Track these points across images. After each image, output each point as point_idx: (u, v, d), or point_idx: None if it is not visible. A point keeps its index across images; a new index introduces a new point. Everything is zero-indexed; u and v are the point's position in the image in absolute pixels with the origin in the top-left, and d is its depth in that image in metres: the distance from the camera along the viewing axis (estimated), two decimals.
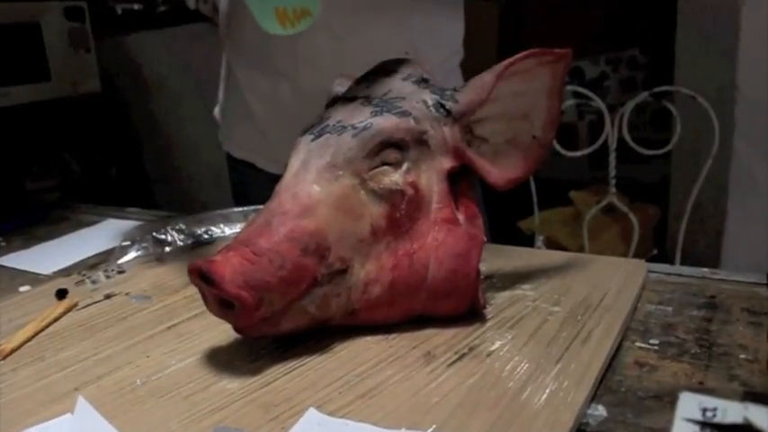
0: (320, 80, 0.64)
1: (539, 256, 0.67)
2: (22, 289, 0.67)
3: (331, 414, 0.40)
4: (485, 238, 0.50)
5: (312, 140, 0.49)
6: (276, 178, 0.49)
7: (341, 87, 0.57)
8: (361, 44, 0.80)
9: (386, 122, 0.48)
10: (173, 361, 0.48)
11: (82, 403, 0.42)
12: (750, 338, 0.48)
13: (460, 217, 0.50)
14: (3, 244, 0.87)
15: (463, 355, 0.46)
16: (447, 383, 0.42)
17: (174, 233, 0.75)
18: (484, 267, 0.56)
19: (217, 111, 0.99)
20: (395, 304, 0.49)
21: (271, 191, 0.48)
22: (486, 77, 0.50)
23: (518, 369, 0.43)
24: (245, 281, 0.43)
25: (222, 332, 0.50)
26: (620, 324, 0.48)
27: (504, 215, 1.32)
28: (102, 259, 0.73)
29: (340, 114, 0.50)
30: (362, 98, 0.51)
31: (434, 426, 0.38)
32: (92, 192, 1.65)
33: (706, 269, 0.61)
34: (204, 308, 0.46)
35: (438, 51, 0.86)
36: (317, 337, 0.49)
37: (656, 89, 1.27)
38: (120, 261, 0.71)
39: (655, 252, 1.56)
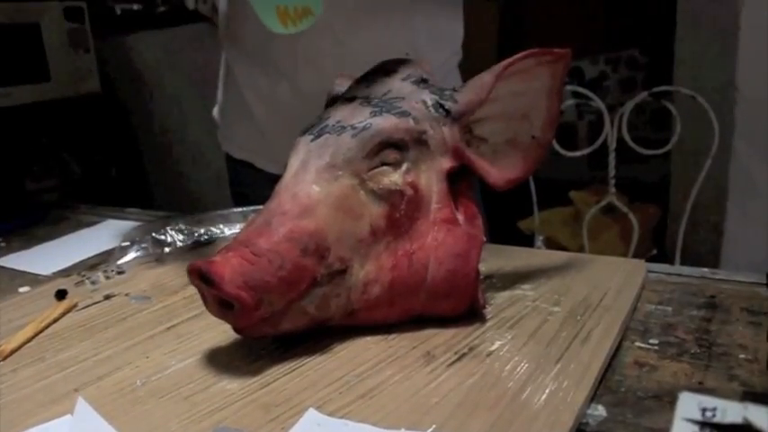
0: (320, 80, 0.64)
1: (538, 256, 0.67)
2: (21, 290, 0.67)
3: (331, 414, 0.39)
4: (484, 239, 0.50)
5: (312, 141, 0.49)
6: (275, 178, 0.49)
7: (340, 87, 0.57)
8: (361, 45, 0.80)
9: (385, 123, 0.48)
10: (172, 361, 0.48)
11: (82, 404, 0.41)
12: (750, 338, 0.48)
13: (460, 217, 0.50)
14: (2, 244, 0.87)
15: (463, 355, 0.46)
16: (447, 383, 0.42)
17: (174, 234, 0.75)
18: (484, 267, 0.56)
19: (216, 111, 0.99)
20: (394, 304, 0.49)
21: (270, 191, 0.48)
22: (486, 77, 0.50)
23: (518, 369, 0.43)
24: (245, 281, 0.43)
25: (222, 332, 0.50)
26: (619, 324, 0.48)
27: (504, 215, 1.32)
28: (102, 260, 0.73)
29: (339, 114, 0.50)
30: (362, 98, 0.51)
31: (434, 426, 0.38)
32: (91, 192, 1.65)
33: (706, 269, 0.61)
34: (204, 308, 0.46)
35: (438, 52, 0.86)
36: (316, 337, 0.49)
37: (656, 89, 1.27)
38: (119, 261, 0.71)
39: (654, 252, 1.56)
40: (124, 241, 0.73)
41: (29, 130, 1.55)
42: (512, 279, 0.58)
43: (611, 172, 1.32)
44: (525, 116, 0.52)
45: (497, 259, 0.63)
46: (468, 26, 0.90)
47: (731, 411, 0.36)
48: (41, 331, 0.55)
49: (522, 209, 1.59)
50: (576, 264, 0.61)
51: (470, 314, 0.51)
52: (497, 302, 0.54)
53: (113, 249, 0.73)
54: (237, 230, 0.73)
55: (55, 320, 0.57)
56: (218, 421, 0.40)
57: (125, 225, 0.88)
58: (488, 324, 0.50)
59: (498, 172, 0.52)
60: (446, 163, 0.50)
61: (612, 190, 1.34)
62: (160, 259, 0.71)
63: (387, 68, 0.55)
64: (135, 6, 1.90)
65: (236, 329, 0.46)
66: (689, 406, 0.37)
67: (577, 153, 1.40)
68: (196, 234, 0.76)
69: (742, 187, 1.45)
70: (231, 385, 0.44)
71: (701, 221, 1.48)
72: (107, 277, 0.67)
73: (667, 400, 0.40)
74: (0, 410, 0.43)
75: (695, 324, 0.50)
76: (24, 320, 0.57)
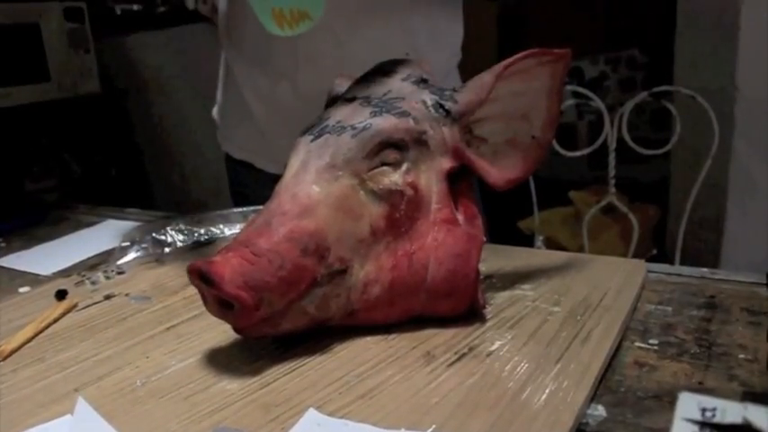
0: (320, 81, 0.64)
1: (538, 256, 0.67)
2: (21, 290, 0.67)
3: (331, 414, 0.40)
4: (484, 239, 0.51)
5: (312, 141, 0.49)
6: (275, 179, 0.49)
7: (340, 87, 0.57)
8: (361, 45, 0.80)
9: (385, 123, 0.48)
10: (172, 361, 0.48)
11: (82, 404, 0.41)
12: (750, 338, 0.48)
13: (460, 217, 0.50)
14: (2, 245, 0.87)
15: (463, 356, 0.46)
16: (447, 383, 0.42)
17: (174, 234, 0.75)
18: (484, 267, 0.56)
19: (215, 111, 0.99)
20: (394, 304, 0.49)
21: (270, 191, 0.48)
22: (486, 77, 0.50)
23: (518, 369, 0.43)
24: (245, 281, 0.43)
25: (222, 333, 0.50)
26: (619, 324, 0.48)
27: (504, 215, 1.32)
28: (102, 260, 0.73)
29: (339, 115, 0.50)
30: (362, 98, 0.51)
31: (434, 426, 0.38)
32: (91, 192, 1.65)
33: (705, 269, 0.61)
34: (204, 308, 0.46)
35: (438, 53, 0.86)
36: (316, 337, 0.49)
37: (656, 89, 1.27)
38: (119, 262, 0.71)
39: (654, 252, 1.56)
40: (124, 241, 0.73)
41: (29, 130, 1.55)
42: (512, 279, 0.58)
43: (611, 172, 1.32)
44: (525, 116, 0.52)
45: (497, 259, 0.63)
46: (468, 26, 0.90)
47: (731, 411, 0.36)
48: (41, 331, 0.55)
49: (522, 209, 1.59)
50: (576, 264, 0.61)
51: (470, 314, 0.51)
52: (497, 302, 0.54)
53: (113, 249, 0.73)
54: (237, 230, 0.73)
55: (55, 321, 0.57)
56: (218, 421, 0.40)
57: (125, 225, 0.88)
58: (488, 324, 0.50)
59: (498, 172, 0.52)
60: (446, 163, 0.50)
61: (612, 190, 1.34)
62: (160, 259, 0.71)
63: (387, 69, 0.55)
64: (135, 6, 1.90)
65: (236, 329, 0.46)
66: (689, 406, 0.37)
67: (577, 153, 1.40)
68: (196, 234, 0.76)
69: (742, 187, 1.45)
70: (231, 385, 0.44)
71: (701, 221, 1.48)
72: (107, 277, 0.67)
73: (667, 400, 0.40)
74: (0, 410, 0.43)
75: (695, 324, 0.50)
76: (24, 320, 0.57)
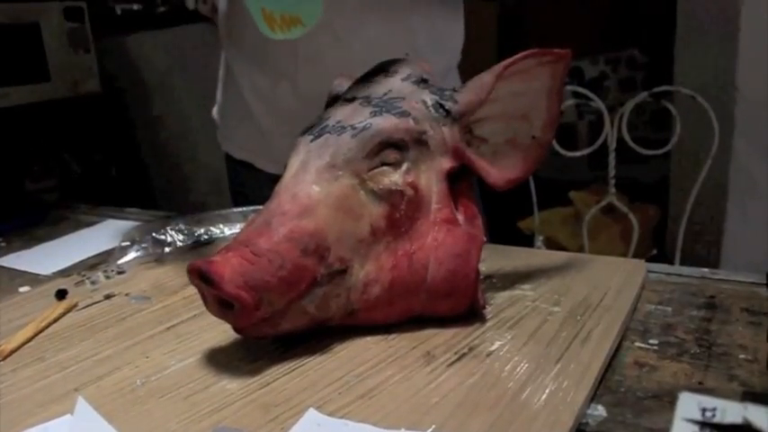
0: (320, 81, 0.64)
1: (538, 256, 0.67)
2: (21, 289, 0.67)
3: (331, 414, 0.40)
4: (484, 239, 0.51)
5: (312, 141, 0.49)
6: (275, 178, 0.49)
7: (340, 87, 0.57)
8: (361, 45, 0.80)
9: (385, 123, 0.48)
10: (172, 361, 0.48)
11: (81, 404, 0.41)
12: (750, 338, 0.48)
13: (460, 217, 0.50)
14: (2, 244, 0.87)
15: (463, 356, 0.46)
16: (447, 383, 0.42)
17: (174, 233, 0.75)
18: (484, 267, 0.56)
19: (215, 111, 0.99)
20: (394, 304, 0.49)
21: (270, 191, 0.48)
22: (486, 78, 0.50)
23: (518, 369, 0.43)
24: (245, 281, 0.43)
25: (222, 332, 0.50)
26: (619, 324, 0.48)
27: (504, 215, 1.32)
28: (102, 260, 0.73)
29: (339, 114, 0.50)
30: (362, 98, 0.51)
31: (434, 426, 0.38)
32: (91, 192, 1.65)
33: (705, 269, 0.61)
34: (204, 308, 0.46)
35: (438, 54, 0.86)
36: (316, 337, 0.49)
37: (656, 89, 1.27)
38: (119, 261, 0.71)
39: (654, 252, 1.56)
40: (124, 241, 0.73)
41: (29, 130, 1.55)
42: (512, 279, 0.58)
43: (611, 172, 1.32)
44: (525, 116, 0.52)
45: (497, 259, 0.63)
46: (468, 26, 0.90)
47: (731, 411, 0.36)
48: (41, 331, 0.55)
49: (522, 209, 1.59)
50: (576, 264, 0.61)
51: (470, 314, 0.51)
52: (497, 302, 0.54)
53: (113, 249, 0.73)
54: (237, 230, 0.73)
55: (55, 320, 0.57)
56: (218, 421, 0.40)
57: (125, 225, 0.88)
58: (488, 324, 0.50)
59: (498, 172, 0.52)
60: (446, 163, 0.50)
61: (612, 190, 1.34)
62: (160, 259, 0.71)
63: (387, 68, 0.55)
64: (135, 6, 1.90)
65: (235, 329, 0.46)
66: (689, 406, 0.37)
67: (577, 153, 1.40)
68: (196, 234, 0.76)
69: (742, 187, 1.45)
70: (231, 385, 0.44)
71: (701, 221, 1.48)
72: (107, 277, 0.67)
73: (667, 400, 0.40)
74: (0, 410, 0.43)
75: (695, 324, 0.50)
76: (24, 320, 0.57)
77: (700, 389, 0.42)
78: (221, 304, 0.44)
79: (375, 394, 0.42)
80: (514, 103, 0.52)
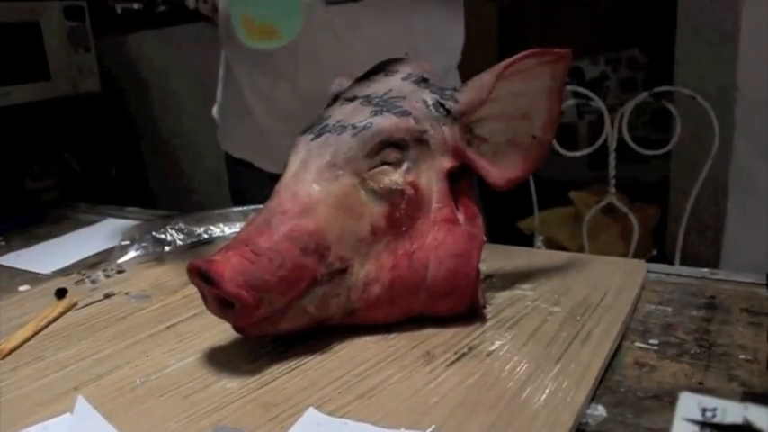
0: (320, 80, 0.64)
1: (538, 256, 0.67)
2: (21, 288, 0.67)
3: (330, 414, 0.39)
4: (484, 238, 0.50)
5: (312, 140, 0.49)
6: (275, 178, 0.49)
7: (341, 87, 0.57)
8: (361, 45, 0.80)
9: (386, 122, 0.48)
10: (172, 360, 0.48)
11: (81, 403, 0.42)
12: (750, 338, 0.48)
13: (460, 217, 0.50)
14: (2, 243, 0.87)
15: (463, 355, 0.46)
16: (446, 383, 0.42)
17: (174, 233, 0.75)
18: (484, 267, 0.56)
19: (215, 110, 0.99)
20: (394, 304, 0.49)
21: (270, 190, 0.48)
22: (486, 77, 0.50)
23: (518, 369, 0.43)
24: (245, 280, 0.43)
25: (221, 332, 0.50)
26: (619, 324, 0.48)
27: (504, 215, 1.32)
28: (102, 259, 0.73)
29: (340, 114, 0.50)
30: (362, 98, 0.51)
31: (434, 426, 0.38)
32: (91, 191, 1.65)
33: (705, 269, 0.61)
34: (203, 307, 0.46)
35: (438, 53, 0.86)
36: (316, 336, 0.49)
37: (656, 89, 1.27)
38: (119, 260, 0.71)
39: (654, 252, 1.56)
40: (124, 240, 0.73)
41: (29, 129, 1.55)
42: (512, 279, 0.58)
43: (612, 172, 1.32)
44: (526, 116, 0.52)
45: (497, 259, 0.63)
46: (468, 26, 0.90)
47: (731, 411, 0.36)
48: (41, 330, 0.55)
49: (522, 209, 1.59)
50: (576, 264, 0.61)
51: (470, 314, 0.51)
52: (497, 302, 0.54)
53: (113, 248, 0.73)
54: (237, 230, 0.73)
55: (55, 319, 0.57)
56: (218, 420, 0.40)
57: (125, 224, 0.88)
58: (488, 324, 0.50)
59: (499, 172, 0.52)
60: (446, 162, 0.50)
61: (612, 190, 1.34)
62: (160, 258, 0.71)
63: (387, 68, 0.55)
64: (135, 5, 1.90)
65: (235, 328, 0.46)
66: (689, 406, 0.37)
67: (577, 153, 1.40)
68: (196, 233, 0.76)
69: (742, 187, 1.45)
70: (231, 384, 0.44)
71: (701, 221, 1.48)
72: (107, 276, 0.67)
73: (667, 400, 0.40)
74: (0, 409, 0.43)
75: (695, 324, 0.50)
76: (24, 319, 0.57)
77: (700, 389, 0.42)
78: (221, 303, 0.44)
79: (375, 394, 0.42)
80: (515, 102, 0.51)
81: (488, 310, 0.52)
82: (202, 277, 0.43)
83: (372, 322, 0.50)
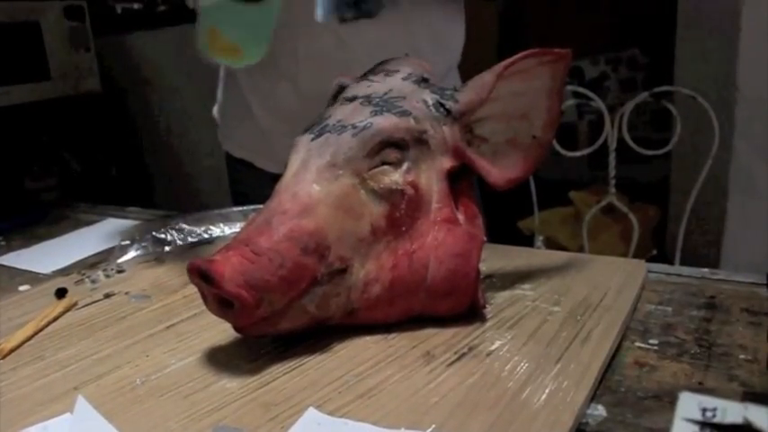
0: (321, 80, 0.64)
1: (538, 256, 0.67)
2: (21, 288, 0.67)
3: (331, 413, 0.39)
4: (485, 238, 0.50)
5: (312, 140, 0.49)
6: (276, 178, 0.49)
7: (341, 87, 0.57)
8: (361, 45, 0.80)
9: (386, 122, 0.48)
10: (172, 360, 0.48)
11: (81, 402, 0.42)
12: (750, 338, 0.48)
13: (460, 217, 0.50)
14: (2, 243, 0.87)
15: (463, 355, 0.46)
16: (446, 383, 0.42)
17: (174, 232, 0.75)
18: (484, 267, 0.56)
19: (216, 110, 0.99)
20: (394, 304, 0.49)
21: (270, 190, 0.48)
22: (486, 77, 0.50)
23: (518, 369, 0.43)
24: (245, 280, 0.43)
25: (222, 331, 0.50)
26: (619, 324, 0.48)
27: (504, 215, 1.32)
28: (102, 258, 0.73)
29: (340, 114, 0.50)
30: (362, 98, 0.51)
31: (434, 425, 0.38)
32: (92, 191, 1.65)
33: (706, 269, 0.61)
34: (204, 307, 0.46)
35: (438, 54, 0.86)
36: (316, 336, 0.48)
37: (656, 89, 1.27)
38: (119, 260, 0.71)
39: (654, 252, 1.56)
40: (124, 240, 0.73)
41: (29, 128, 1.55)
42: (512, 279, 0.58)
43: (612, 172, 1.32)
44: (526, 116, 0.52)
45: (497, 259, 0.63)
46: (468, 26, 0.90)
47: (731, 411, 0.36)
48: (41, 330, 0.55)
49: (522, 209, 1.59)
50: (576, 264, 0.61)
51: (470, 314, 0.51)
52: (497, 302, 0.54)
53: (113, 248, 0.73)
54: (237, 230, 0.73)
55: (55, 319, 0.57)
56: (218, 420, 0.40)
57: (125, 224, 0.88)
58: (488, 324, 0.50)
59: (499, 171, 0.52)
60: (447, 162, 0.50)
61: (612, 190, 1.34)
62: (160, 258, 0.71)
63: (387, 68, 0.55)
64: (135, 5, 1.90)
65: (236, 328, 0.46)
66: (689, 406, 0.37)
67: (577, 153, 1.40)
68: (196, 233, 0.76)
69: (742, 187, 1.45)
70: (231, 384, 0.44)
71: (701, 222, 1.48)
72: (107, 276, 0.67)
73: (667, 400, 0.40)
74: (0, 409, 0.43)
75: (695, 324, 0.50)
76: (24, 319, 0.57)
77: (700, 389, 0.42)
78: (221, 303, 0.44)
79: (375, 394, 0.42)
80: (515, 102, 0.51)
81: (488, 310, 0.52)
82: (202, 277, 0.43)
83: (372, 322, 0.50)
